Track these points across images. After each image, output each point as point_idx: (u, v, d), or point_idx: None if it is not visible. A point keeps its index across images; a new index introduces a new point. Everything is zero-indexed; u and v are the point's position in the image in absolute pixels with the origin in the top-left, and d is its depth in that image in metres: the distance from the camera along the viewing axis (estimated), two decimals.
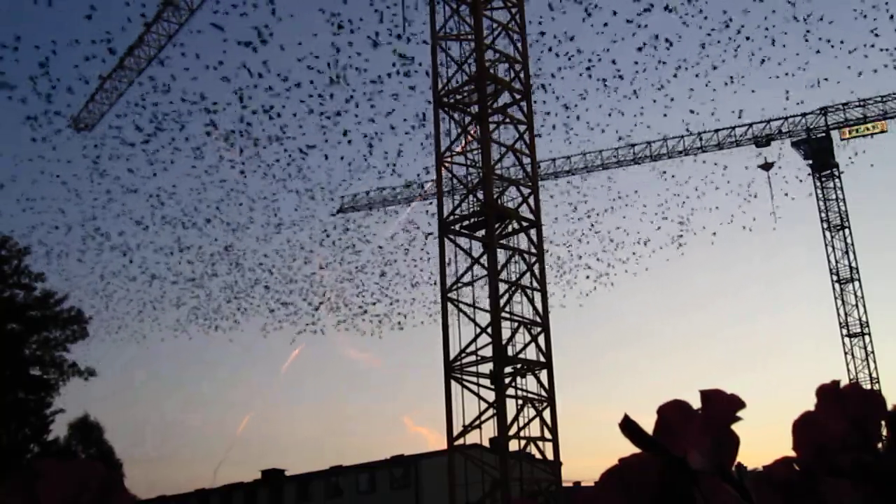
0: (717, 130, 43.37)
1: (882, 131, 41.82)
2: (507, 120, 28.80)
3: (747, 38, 40.28)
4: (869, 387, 1.00)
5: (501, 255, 27.65)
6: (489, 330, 26.29)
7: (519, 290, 27.40)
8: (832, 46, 39.00)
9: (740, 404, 0.72)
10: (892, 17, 36.81)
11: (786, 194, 45.66)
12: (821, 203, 44.03)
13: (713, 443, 0.71)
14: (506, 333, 26.47)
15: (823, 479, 0.73)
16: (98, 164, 43.89)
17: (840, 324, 42.87)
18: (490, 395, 25.91)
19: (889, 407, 0.74)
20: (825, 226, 43.88)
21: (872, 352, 42.03)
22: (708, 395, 0.72)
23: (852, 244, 43.25)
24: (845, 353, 42.46)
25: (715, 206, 48.31)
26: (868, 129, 41.90)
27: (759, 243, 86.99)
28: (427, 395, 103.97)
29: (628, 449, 0.70)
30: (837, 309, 43.04)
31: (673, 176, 48.98)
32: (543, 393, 26.51)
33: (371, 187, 49.80)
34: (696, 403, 0.73)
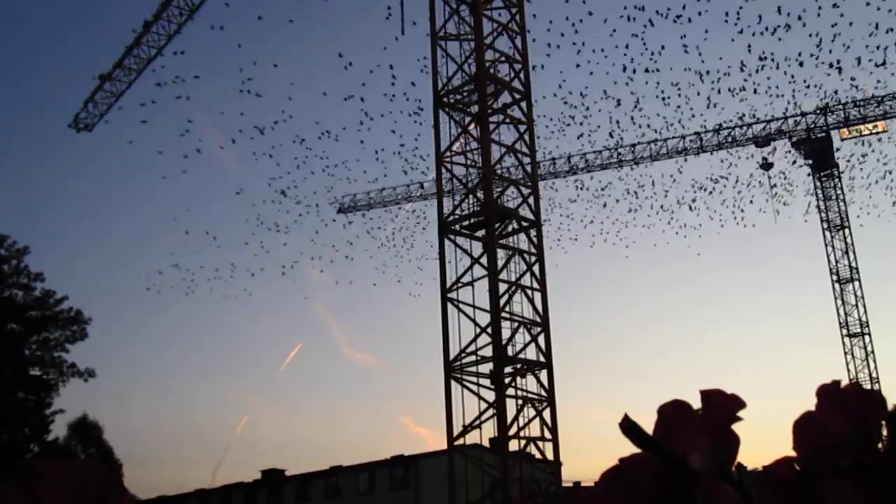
0: (717, 130, 43.37)
1: (882, 131, 41.88)
2: (507, 120, 28.81)
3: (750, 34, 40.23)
4: (869, 387, 1.00)
5: (501, 255, 27.67)
6: (489, 330, 26.29)
7: (519, 290, 27.41)
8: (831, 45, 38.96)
9: (741, 404, 0.72)
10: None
11: (784, 192, 45.68)
12: (821, 203, 44.07)
13: (713, 443, 0.71)
14: (506, 333, 26.48)
15: (824, 480, 0.73)
16: None
17: (840, 324, 42.90)
18: (490, 395, 25.92)
19: (889, 407, 0.74)
20: (825, 226, 43.91)
21: (872, 352, 42.09)
22: (708, 395, 0.72)
23: (852, 244, 43.31)
24: (845, 353, 42.51)
25: (715, 206, 48.29)
26: (868, 129, 41.94)
27: (758, 243, 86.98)
28: (427, 395, 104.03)
29: (628, 449, 0.70)
30: (837, 309, 43.10)
31: (674, 176, 48.99)
32: (543, 393, 26.51)
33: (371, 187, 49.91)
34: (697, 403, 0.73)
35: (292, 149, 59.91)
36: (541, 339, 27.01)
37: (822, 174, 43.77)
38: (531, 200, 28.24)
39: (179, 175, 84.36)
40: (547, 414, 26.23)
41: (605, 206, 48.94)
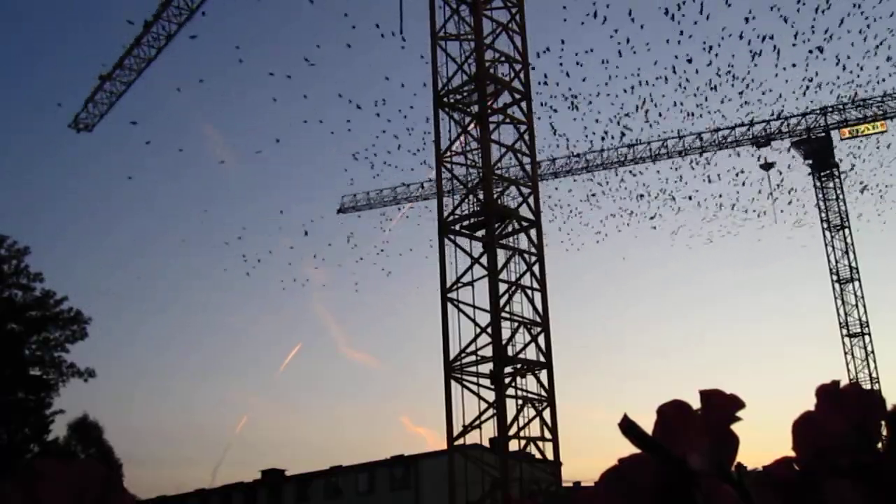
0: (716, 130, 43.38)
1: (882, 131, 41.87)
2: (507, 120, 28.80)
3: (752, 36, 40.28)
4: (869, 387, 1.00)
5: (501, 255, 27.66)
6: (489, 330, 26.28)
7: (519, 290, 27.39)
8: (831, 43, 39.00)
9: (740, 404, 0.72)
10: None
11: (784, 192, 45.67)
12: (821, 203, 44.06)
13: (713, 443, 0.71)
14: (506, 333, 26.47)
15: (823, 480, 0.73)
16: None
17: (840, 324, 42.89)
18: (490, 395, 25.92)
19: (889, 407, 0.74)
20: (825, 226, 43.89)
21: (872, 352, 42.08)
22: (708, 395, 0.72)
23: (852, 244, 43.29)
24: (845, 353, 42.50)
25: (715, 206, 48.35)
26: (868, 129, 41.93)
27: (758, 243, 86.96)
28: (427, 395, 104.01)
29: (628, 449, 0.70)
30: (837, 309, 43.09)
31: (675, 177, 49.06)
32: (543, 393, 26.51)
33: (371, 187, 49.93)
34: (696, 403, 0.73)
35: (290, 148, 59.88)
36: (541, 339, 27.00)
37: (822, 174, 43.76)
38: (531, 200, 28.23)
39: (179, 174, 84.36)
40: (547, 414, 26.23)
41: (604, 207, 48.97)
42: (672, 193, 47.37)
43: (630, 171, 46.53)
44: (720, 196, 48.14)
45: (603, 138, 45.73)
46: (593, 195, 48.20)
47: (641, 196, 48.22)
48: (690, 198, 47.86)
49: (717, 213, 49.40)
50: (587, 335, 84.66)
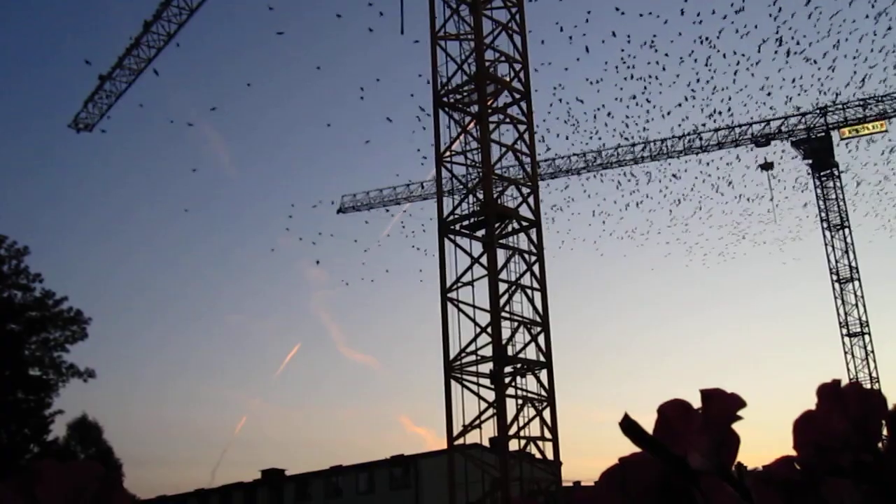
0: (716, 130, 43.39)
1: (882, 131, 41.88)
2: (507, 120, 28.79)
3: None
4: (869, 386, 1.00)
5: (501, 255, 27.66)
6: (489, 330, 26.27)
7: (519, 290, 27.39)
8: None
9: (741, 403, 0.72)
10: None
11: (784, 192, 45.67)
12: (821, 203, 44.05)
13: (713, 442, 0.71)
14: (506, 333, 26.47)
15: (824, 479, 0.73)
16: None
17: (840, 323, 42.90)
18: (490, 395, 25.91)
19: (889, 407, 0.74)
20: (825, 225, 43.89)
21: (872, 351, 42.09)
22: (708, 395, 0.72)
23: (852, 244, 43.30)
24: (845, 353, 42.51)
25: (715, 206, 48.38)
26: (868, 129, 41.92)
27: (758, 243, 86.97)
28: (427, 395, 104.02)
29: (628, 449, 0.70)
30: (837, 309, 43.10)
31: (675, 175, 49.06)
32: (543, 393, 26.50)
33: (371, 187, 49.96)
34: (697, 403, 0.72)
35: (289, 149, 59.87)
36: (541, 339, 26.99)
37: (821, 174, 43.77)
38: (531, 200, 28.22)
39: (179, 174, 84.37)
40: (547, 414, 26.22)
41: (603, 208, 49.00)
42: (673, 193, 47.38)
43: (631, 171, 46.58)
44: (720, 196, 48.21)
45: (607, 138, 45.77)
46: (594, 195, 48.22)
47: (641, 195, 48.22)
48: (699, 205, 47.85)
49: (716, 213, 49.37)
50: (587, 335, 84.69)
